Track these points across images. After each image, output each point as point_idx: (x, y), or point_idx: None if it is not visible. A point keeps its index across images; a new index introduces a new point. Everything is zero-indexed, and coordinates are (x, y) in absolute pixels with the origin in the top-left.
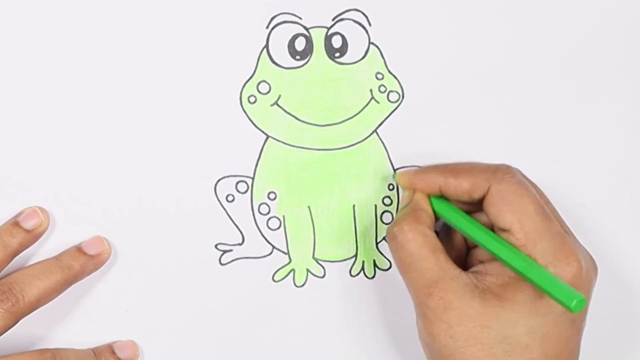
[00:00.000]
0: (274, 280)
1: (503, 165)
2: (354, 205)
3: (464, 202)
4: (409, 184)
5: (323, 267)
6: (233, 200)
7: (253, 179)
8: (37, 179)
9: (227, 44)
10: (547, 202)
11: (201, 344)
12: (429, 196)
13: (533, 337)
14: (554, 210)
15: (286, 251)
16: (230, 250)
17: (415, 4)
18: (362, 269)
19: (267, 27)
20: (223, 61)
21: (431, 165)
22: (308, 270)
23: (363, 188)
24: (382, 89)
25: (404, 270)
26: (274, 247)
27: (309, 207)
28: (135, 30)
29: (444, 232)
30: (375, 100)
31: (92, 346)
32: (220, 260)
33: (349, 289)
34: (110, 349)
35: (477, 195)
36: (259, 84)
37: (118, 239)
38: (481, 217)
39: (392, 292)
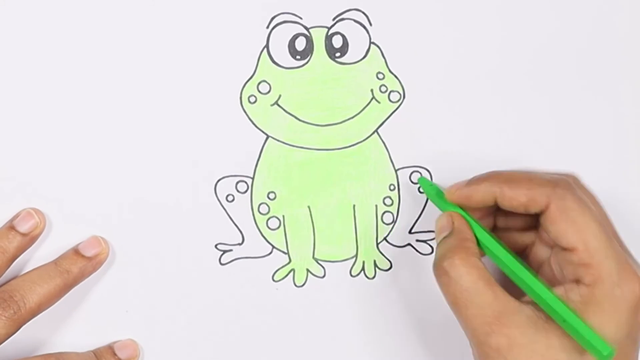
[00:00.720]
0: (273, 280)
1: (563, 179)
2: (354, 206)
3: (512, 213)
4: (464, 198)
5: (323, 267)
6: (233, 200)
7: (253, 179)
8: (36, 179)
9: (227, 44)
10: (605, 216)
11: (201, 344)
12: (471, 226)
13: None
14: (611, 225)
15: (286, 251)
16: (230, 250)
17: (416, 3)
18: (363, 269)
19: (268, 27)
20: (223, 61)
21: (483, 174)
22: (308, 270)
23: (363, 188)
24: (383, 88)
25: (460, 307)
26: (273, 247)
27: (309, 207)
28: (135, 30)
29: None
30: (376, 100)
31: (92, 347)
32: (220, 260)
33: (349, 289)
34: (110, 350)
35: (534, 209)
36: (259, 83)
37: (118, 239)
38: (525, 237)
39: (392, 293)
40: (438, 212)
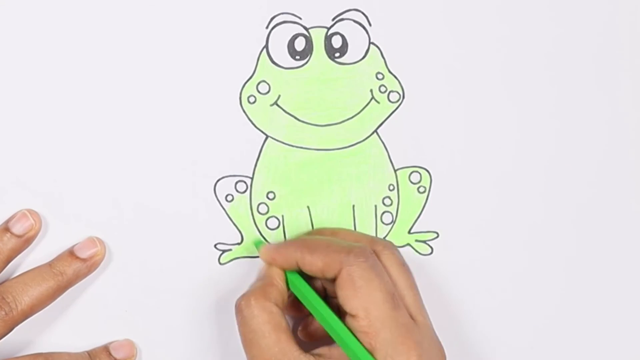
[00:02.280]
0: None
1: (360, 246)
2: (353, 206)
3: (325, 280)
4: (270, 259)
5: None
6: (232, 200)
7: (252, 178)
8: (34, 178)
9: (226, 44)
10: (410, 287)
11: (201, 344)
12: (285, 272)
13: None
14: (414, 296)
15: None
16: (230, 250)
17: (415, 3)
18: None
19: (267, 27)
20: (223, 61)
21: (292, 240)
22: None
23: (363, 188)
24: (383, 89)
25: (245, 346)
26: None
27: (308, 207)
28: (134, 31)
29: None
30: (376, 101)
31: (92, 346)
32: (219, 259)
33: None
34: (106, 350)
35: (329, 274)
36: (258, 84)
37: (117, 239)
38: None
39: None
40: (438, 212)
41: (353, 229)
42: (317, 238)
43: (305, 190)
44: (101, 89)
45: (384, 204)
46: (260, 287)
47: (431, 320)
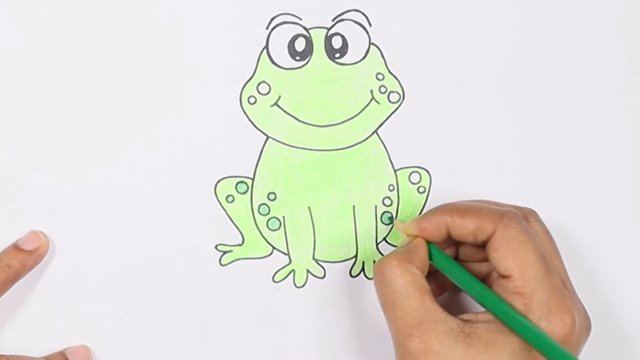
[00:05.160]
0: (274, 281)
1: (510, 210)
2: (354, 206)
3: (469, 245)
4: (418, 230)
5: (323, 268)
6: (233, 200)
7: (253, 179)
8: (33, 179)
9: (227, 44)
10: (553, 253)
11: (201, 345)
12: (428, 245)
13: None
14: (560, 264)
15: (286, 252)
16: (230, 251)
17: (415, 4)
18: (362, 269)
19: (267, 28)
20: (223, 62)
21: (437, 207)
22: (308, 271)
23: (363, 189)
24: (383, 89)
25: (387, 307)
26: (274, 247)
27: (309, 207)
28: (134, 31)
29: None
30: (376, 101)
31: (92, 347)
32: (220, 261)
33: (349, 289)
34: (62, 355)
35: (481, 237)
36: (258, 84)
37: (118, 240)
38: (482, 267)
39: None
40: None
41: (353, 229)
42: (464, 203)
43: (306, 191)
44: (101, 89)
45: (384, 204)
46: (404, 252)
47: None
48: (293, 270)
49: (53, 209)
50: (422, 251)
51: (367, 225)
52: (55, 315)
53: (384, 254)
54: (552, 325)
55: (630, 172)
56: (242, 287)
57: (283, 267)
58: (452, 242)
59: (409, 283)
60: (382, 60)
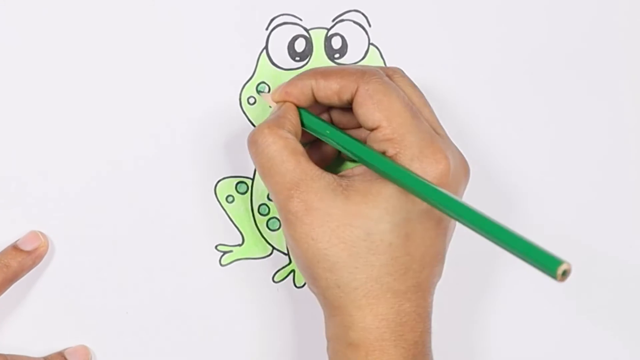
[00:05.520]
0: (274, 281)
1: (371, 68)
2: None
3: (339, 110)
4: (283, 94)
5: None
6: (233, 200)
7: (253, 179)
8: (34, 180)
9: (227, 45)
10: (425, 105)
11: (201, 345)
12: (299, 110)
13: (397, 235)
14: (430, 114)
15: (286, 252)
16: (230, 251)
17: (414, 4)
18: None
19: (267, 29)
20: (223, 62)
21: (301, 73)
22: None
23: None
24: None
25: (265, 175)
26: (274, 248)
27: None
28: (134, 31)
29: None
30: None
31: (92, 347)
32: (220, 261)
33: None
34: (61, 355)
35: (345, 96)
36: (258, 85)
37: (118, 240)
38: (358, 134)
39: None
40: None
41: None
42: (327, 67)
43: None
44: (101, 90)
45: None
46: (274, 119)
47: (435, 319)
48: (293, 271)
49: (52, 209)
50: (293, 115)
51: None
52: (55, 316)
53: None
54: (424, 166)
55: (631, 172)
56: (242, 287)
57: (283, 267)
58: (324, 109)
59: (282, 147)
60: (382, 60)
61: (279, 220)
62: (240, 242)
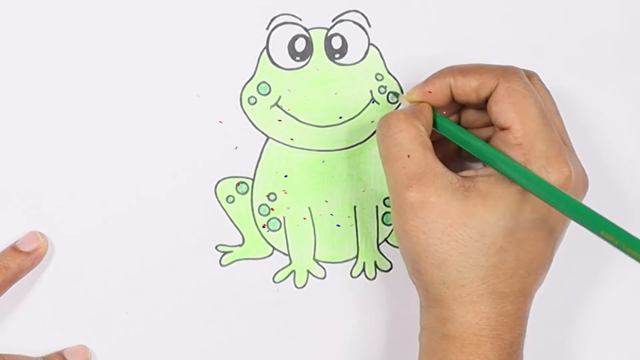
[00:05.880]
0: (274, 282)
1: (512, 67)
2: (354, 207)
3: (472, 110)
4: (421, 94)
5: (324, 269)
6: (233, 201)
7: (253, 180)
8: (37, 182)
9: (227, 45)
10: (553, 110)
11: (201, 345)
12: (432, 111)
13: (509, 240)
14: (560, 124)
15: (287, 252)
16: (231, 252)
17: (414, 5)
18: (363, 270)
19: (267, 29)
20: (223, 62)
21: (438, 70)
22: (309, 272)
23: (364, 189)
24: (382, 90)
25: (388, 159)
26: (274, 248)
27: (309, 208)
28: (134, 32)
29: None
30: (375, 101)
31: (93, 348)
32: (220, 261)
33: (350, 290)
34: (60, 355)
35: (484, 93)
36: (259, 85)
37: (118, 241)
38: (483, 132)
39: (393, 294)
40: None
41: (355, 230)
42: (465, 64)
43: (307, 191)
44: (101, 90)
45: (384, 204)
46: (411, 110)
47: None
48: (293, 271)
49: (52, 209)
50: (428, 113)
51: (368, 226)
52: (54, 316)
53: (385, 255)
54: (549, 176)
55: (630, 172)
56: (242, 287)
57: (283, 268)
58: (455, 109)
59: (413, 137)
60: (382, 60)
61: (279, 220)
62: (241, 243)
